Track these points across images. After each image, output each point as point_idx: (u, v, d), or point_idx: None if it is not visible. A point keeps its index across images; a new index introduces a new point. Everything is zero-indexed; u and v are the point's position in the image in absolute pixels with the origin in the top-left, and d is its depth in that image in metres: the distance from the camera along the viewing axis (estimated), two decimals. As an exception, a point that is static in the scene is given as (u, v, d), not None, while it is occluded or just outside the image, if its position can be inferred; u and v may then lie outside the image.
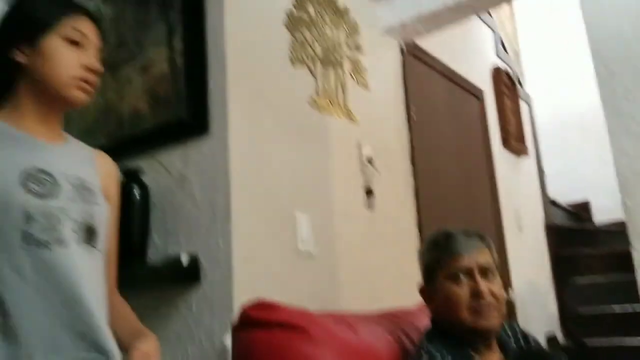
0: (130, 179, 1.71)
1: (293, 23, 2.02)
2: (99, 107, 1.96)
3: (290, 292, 1.75)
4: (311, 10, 2.13)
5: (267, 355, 1.14)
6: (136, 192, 1.69)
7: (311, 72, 2.07)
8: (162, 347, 1.68)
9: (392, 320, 1.47)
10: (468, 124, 3.23)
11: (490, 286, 1.26)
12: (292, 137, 1.92)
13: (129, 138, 1.86)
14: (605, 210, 4.64)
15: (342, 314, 1.37)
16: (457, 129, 3.06)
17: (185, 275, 1.65)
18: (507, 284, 3.06)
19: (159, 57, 1.80)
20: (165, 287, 1.71)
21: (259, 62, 1.86)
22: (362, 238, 2.14)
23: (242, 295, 1.58)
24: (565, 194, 4.79)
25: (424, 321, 1.39)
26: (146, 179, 1.75)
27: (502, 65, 3.86)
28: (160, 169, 1.82)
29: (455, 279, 1.27)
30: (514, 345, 1.37)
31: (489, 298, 1.25)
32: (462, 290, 1.25)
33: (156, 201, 1.79)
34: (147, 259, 1.72)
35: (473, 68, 3.43)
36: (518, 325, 1.47)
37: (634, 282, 1.96)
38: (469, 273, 1.27)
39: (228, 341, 1.34)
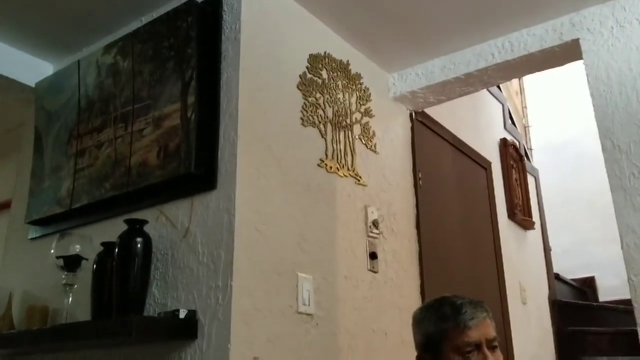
0: (133, 229, 1.71)
1: (306, 85, 2.08)
2: (109, 158, 1.99)
3: (289, 354, 1.71)
4: (324, 74, 2.19)
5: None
6: (138, 242, 1.69)
7: (321, 133, 2.11)
8: (152, 404, 1.65)
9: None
10: (474, 194, 3.24)
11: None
12: (299, 197, 1.93)
13: (136, 189, 1.88)
14: (612, 289, 4.56)
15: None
16: (463, 197, 3.07)
17: (182, 330, 1.62)
18: (510, 358, 2.97)
19: (173, 112, 1.84)
20: (160, 340, 1.68)
21: (270, 121, 1.90)
22: (365, 302, 2.11)
23: (239, 355, 1.55)
24: (571, 270, 4.72)
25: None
26: (150, 230, 1.75)
27: (510, 138, 3.91)
28: (165, 222, 1.83)
29: (463, 352, 1.23)
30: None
31: None
32: None
33: (158, 253, 1.79)
34: (145, 310, 1.70)
35: (481, 139, 3.47)
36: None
37: (640, 363, 1.91)
38: (478, 347, 1.24)
39: (221, 401, 1.30)
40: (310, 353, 1.79)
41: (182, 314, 1.62)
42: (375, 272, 2.21)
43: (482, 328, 1.26)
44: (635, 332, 1.89)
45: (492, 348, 1.26)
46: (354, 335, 2.01)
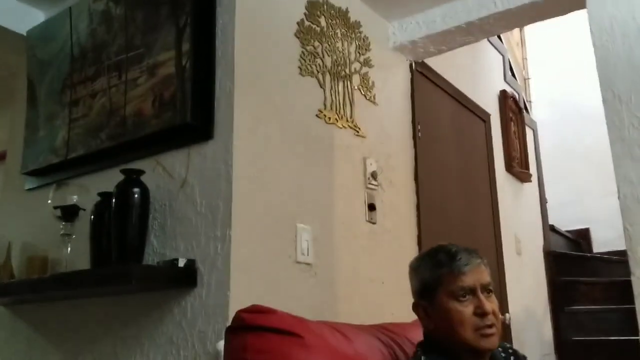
0: (130, 179, 1.70)
1: (304, 33, 2.03)
2: (104, 108, 1.96)
3: (287, 302, 1.73)
4: (323, 22, 2.14)
5: (260, 361, 1.13)
6: (136, 192, 1.69)
7: (320, 84, 2.07)
8: (154, 349, 1.68)
9: (387, 333, 1.45)
10: (473, 146, 3.23)
11: (491, 305, 1.25)
12: (297, 148, 1.92)
13: (132, 139, 1.86)
14: (606, 241, 4.62)
15: (337, 324, 1.35)
16: (461, 149, 3.06)
17: (181, 279, 1.63)
18: (503, 307, 3.03)
19: (167, 60, 1.80)
20: (160, 289, 1.70)
21: (268, 69, 1.86)
22: (362, 252, 2.13)
23: (238, 302, 1.56)
24: (566, 222, 4.77)
25: (419, 336, 1.37)
26: (147, 180, 1.74)
27: (510, 90, 3.87)
28: (162, 172, 1.82)
29: (458, 297, 1.25)
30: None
31: (492, 317, 1.23)
32: (466, 309, 1.24)
33: (156, 203, 1.79)
34: (144, 260, 1.71)
35: (481, 91, 3.44)
36: (511, 346, 1.45)
37: (632, 311, 1.94)
38: (473, 291, 1.25)
39: (221, 347, 1.32)
40: (309, 301, 1.81)
41: (182, 263, 1.63)
42: (373, 223, 2.22)
43: (477, 274, 1.27)
44: (628, 281, 1.91)
45: (487, 292, 1.27)
46: (352, 284, 2.04)
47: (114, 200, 1.69)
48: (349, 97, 2.20)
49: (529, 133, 4.13)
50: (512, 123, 3.79)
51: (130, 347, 1.74)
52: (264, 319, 1.17)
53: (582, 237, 4.95)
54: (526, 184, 3.93)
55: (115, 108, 1.92)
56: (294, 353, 1.14)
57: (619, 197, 1.83)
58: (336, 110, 2.12)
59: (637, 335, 1.87)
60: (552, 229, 4.34)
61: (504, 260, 3.22)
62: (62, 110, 2.11)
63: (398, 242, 2.35)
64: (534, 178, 4.06)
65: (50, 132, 2.13)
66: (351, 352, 1.24)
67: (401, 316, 1.77)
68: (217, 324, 1.57)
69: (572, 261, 4.29)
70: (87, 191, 1.87)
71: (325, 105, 2.08)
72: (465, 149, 3.10)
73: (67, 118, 2.07)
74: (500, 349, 1.39)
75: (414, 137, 2.60)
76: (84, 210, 1.85)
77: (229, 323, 1.26)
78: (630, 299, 1.90)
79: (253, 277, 1.66)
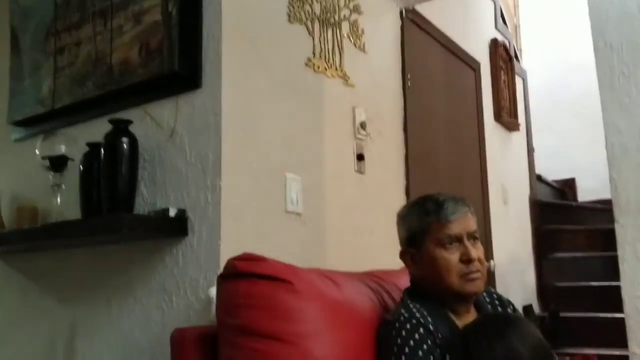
0: (118, 129, 1.69)
1: (292, -21, 1.98)
2: (89, 56, 1.93)
3: (278, 251, 1.75)
4: (311, -33, 2.08)
5: (251, 306, 1.15)
6: (124, 142, 1.68)
7: (308, 31, 2.04)
8: (147, 297, 1.71)
9: (375, 279, 1.49)
10: (462, 95, 3.22)
11: (477, 252, 1.28)
12: (286, 96, 1.90)
13: (119, 89, 1.83)
14: (591, 191, 4.69)
15: (326, 271, 1.38)
16: (451, 99, 3.05)
17: (172, 228, 1.65)
18: (488, 254, 3.10)
19: (153, 7, 1.75)
20: (151, 238, 1.71)
21: (256, 16, 1.82)
22: (351, 201, 2.15)
23: (229, 251, 1.58)
24: (552, 172, 4.82)
25: (406, 283, 1.40)
26: (135, 130, 1.73)
27: (501, 38, 3.83)
28: (150, 122, 1.81)
29: (445, 244, 1.28)
30: (490, 308, 1.40)
31: (477, 264, 1.27)
32: (453, 256, 1.27)
33: (145, 154, 1.78)
34: (134, 210, 1.72)
35: (471, 39, 3.40)
36: (495, 291, 1.50)
37: (613, 259, 1.99)
38: (459, 239, 1.28)
39: (213, 293, 1.35)
40: (299, 250, 1.84)
41: (172, 213, 1.64)
42: (362, 173, 2.24)
43: (463, 222, 1.30)
44: (610, 229, 1.95)
45: (473, 240, 1.30)
46: (341, 233, 2.07)
47: (102, 150, 1.68)
48: (338, 45, 2.17)
49: (518, 82, 4.11)
50: (502, 72, 3.77)
51: (123, 294, 1.77)
52: (254, 266, 1.19)
53: (567, 187, 5.02)
54: (514, 134, 3.94)
55: (101, 57, 1.89)
56: (285, 298, 1.16)
57: (606, 146, 1.84)
58: (325, 58, 2.10)
59: (618, 281, 1.92)
60: (539, 178, 4.40)
61: (490, 209, 3.27)
62: (46, 59, 2.07)
63: (386, 192, 2.37)
64: (522, 127, 4.07)
65: (35, 81, 2.09)
66: (340, 297, 1.27)
67: (389, 264, 1.81)
68: (208, 272, 1.60)
69: (557, 210, 4.37)
70: (75, 141, 1.85)
71: (314, 53, 2.05)
72: (454, 98, 3.10)
73: (52, 67, 2.03)
74: (484, 294, 1.44)
75: (404, 86, 2.59)
76: (73, 160, 1.84)
77: (220, 271, 1.29)
78: (612, 247, 1.94)
79: (243, 226, 1.68)
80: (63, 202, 1.85)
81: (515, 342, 1.13)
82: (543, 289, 3.87)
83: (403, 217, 1.39)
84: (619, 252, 1.86)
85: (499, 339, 1.14)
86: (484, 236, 3.06)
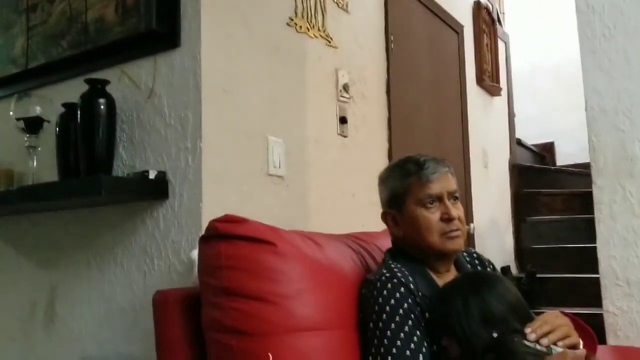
0: (94, 89, 1.65)
1: None
2: (63, 14, 1.86)
3: (260, 213, 1.74)
4: None
5: (233, 268, 1.15)
6: (101, 103, 1.64)
7: (290, -11, 1.99)
8: (128, 260, 1.70)
9: (357, 241, 1.49)
10: (445, 59, 3.21)
11: (457, 211, 1.29)
12: (267, 57, 1.87)
13: (95, 48, 1.78)
14: (569, 155, 4.76)
15: (309, 233, 1.39)
16: (434, 62, 3.03)
17: (152, 190, 1.63)
18: (468, 218, 3.14)
19: (129, -39, 1.69)
20: (131, 201, 1.69)
21: (236, -27, 1.77)
22: (334, 164, 2.15)
23: (211, 214, 1.57)
24: (532, 136, 4.87)
25: (387, 244, 1.41)
26: (112, 91, 1.69)
27: (484, 1, 3.79)
28: (128, 82, 1.76)
29: (426, 204, 1.29)
30: (470, 268, 1.42)
31: (457, 222, 1.28)
32: (433, 215, 1.28)
33: (123, 115, 1.75)
34: (113, 172, 1.69)
35: (455, 1, 3.36)
36: (475, 251, 1.52)
37: (589, 221, 2.02)
38: (440, 198, 1.29)
39: (195, 255, 1.35)
40: (281, 213, 1.84)
41: (152, 175, 1.62)
42: (344, 136, 2.23)
43: (444, 181, 1.30)
44: (587, 193, 1.98)
45: (453, 199, 1.31)
46: (323, 196, 2.07)
47: (79, 111, 1.64)
48: (320, 5, 2.13)
49: (501, 46, 4.11)
50: (485, 35, 3.76)
51: (104, 257, 1.76)
52: (237, 227, 1.18)
53: (546, 151, 5.09)
54: (496, 98, 3.95)
55: (75, 14, 1.82)
56: (267, 259, 1.16)
57: (586, 109, 1.86)
58: (307, 18, 2.06)
59: (593, 243, 1.97)
60: (519, 142, 4.44)
61: (470, 173, 3.30)
62: (18, 17, 1.99)
63: (369, 155, 2.37)
64: (504, 92, 4.08)
65: (7, 40, 2.02)
66: (323, 259, 1.27)
67: (371, 227, 1.82)
68: (190, 234, 1.59)
69: (536, 174, 4.42)
70: (51, 102, 1.81)
71: (296, 13, 2.01)
72: (437, 61, 3.08)
73: (25, 25, 1.96)
74: (465, 253, 1.45)
75: (387, 48, 2.56)
76: (49, 122, 1.80)
77: (202, 233, 1.28)
78: (589, 210, 1.98)
79: (225, 189, 1.67)
80: (40, 164, 1.81)
81: (491, 300, 1.14)
82: (521, 251, 3.95)
83: (385, 179, 1.40)
84: (596, 213, 1.90)
85: (475, 297, 1.15)
86: (464, 200, 3.09)
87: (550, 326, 1.10)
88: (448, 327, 1.15)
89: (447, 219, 1.28)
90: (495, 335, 1.10)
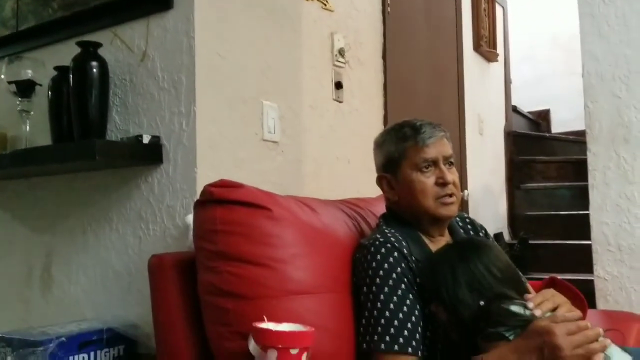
0: (87, 52, 1.62)
1: None
2: (53, -26, 1.82)
3: (255, 179, 1.75)
4: None
5: (228, 232, 1.15)
6: (94, 66, 1.61)
7: (285, -50, 1.95)
8: (123, 225, 1.71)
9: (352, 206, 1.50)
10: (442, 23, 3.16)
11: (452, 176, 1.29)
12: (262, 19, 1.83)
13: (86, 9, 1.75)
14: (565, 122, 4.75)
15: (304, 198, 1.39)
16: (430, 27, 2.99)
17: (146, 155, 1.62)
18: (463, 184, 3.15)
19: None
20: (125, 166, 1.68)
21: None
22: (329, 130, 2.14)
23: (205, 178, 1.57)
24: (528, 103, 4.85)
25: (382, 209, 1.42)
26: (104, 54, 1.66)
27: (482, -36, 3.73)
28: (120, 45, 1.74)
29: (421, 168, 1.29)
30: (462, 233, 1.43)
31: (452, 187, 1.28)
32: (428, 179, 1.29)
33: (115, 78, 1.72)
34: (107, 136, 1.68)
35: (452, -36, 3.30)
36: (468, 216, 1.53)
37: (583, 188, 2.03)
38: (435, 163, 1.29)
39: (190, 220, 1.35)
40: (276, 178, 1.84)
41: (146, 139, 1.61)
42: (340, 101, 2.21)
43: (439, 146, 1.31)
44: (581, 160, 1.99)
45: (449, 164, 1.32)
46: (319, 162, 2.06)
47: (71, 75, 1.62)
48: (316, -33, 2.09)
49: (499, 11, 4.05)
50: (483, 0, 3.70)
51: (99, 222, 1.76)
52: (232, 192, 1.18)
53: (542, 118, 5.08)
54: (492, 64, 3.92)
55: (65, -26, 1.78)
56: (263, 224, 1.17)
57: (582, 75, 1.85)
58: (303, -20, 2.02)
59: (586, 210, 1.98)
60: (514, 109, 4.42)
61: (466, 140, 3.30)
62: (6, -23, 1.95)
63: (364, 120, 2.36)
64: (501, 58, 4.05)
65: (-5, 1, 1.98)
66: (318, 224, 1.28)
67: (366, 193, 1.83)
68: (185, 199, 1.59)
69: (531, 141, 4.43)
70: (43, 65, 1.78)
71: (291, -25, 1.96)
72: (434, 26, 3.04)
73: (13, -15, 1.92)
74: (458, 219, 1.46)
75: (384, 12, 2.52)
76: (41, 85, 1.77)
77: (197, 198, 1.28)
78: (583, 177, 1.99)
79: (220, 153, 1.66)
80: (33, 128, 1.79)
81: (480, 267, 1.14)
82: (514, 217, 3.99)
83: (380, 144, 1.39)
84: (590, 180, 1.91)
85: (463, 265, 1.15)
86: (459, 166, 3.10)
87: (552, 304, 1.11)
88: (436, 294, 1.16)
89: (442, 183, 1.28)
90: (482, 303, 1.11)
